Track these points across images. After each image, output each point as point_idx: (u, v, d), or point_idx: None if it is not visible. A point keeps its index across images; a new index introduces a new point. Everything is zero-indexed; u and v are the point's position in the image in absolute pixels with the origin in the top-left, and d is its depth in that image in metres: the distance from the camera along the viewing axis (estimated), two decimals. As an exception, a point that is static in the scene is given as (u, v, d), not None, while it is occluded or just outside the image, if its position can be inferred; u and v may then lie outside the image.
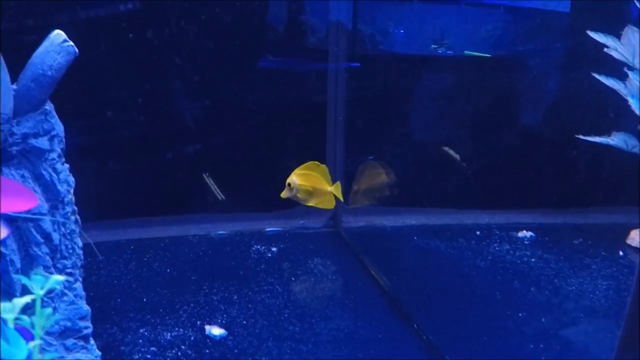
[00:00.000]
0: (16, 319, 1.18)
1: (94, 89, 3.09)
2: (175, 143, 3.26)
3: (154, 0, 3.10)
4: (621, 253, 2.94)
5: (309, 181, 2.21)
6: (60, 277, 1.22)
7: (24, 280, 1.20)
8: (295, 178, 2.21)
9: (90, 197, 2.99)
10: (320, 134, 3.40)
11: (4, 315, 1.15)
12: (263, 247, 3.00)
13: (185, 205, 3.27)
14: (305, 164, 2.27)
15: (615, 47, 3.05)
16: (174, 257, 2.91)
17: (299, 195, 2.21)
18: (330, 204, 2.25)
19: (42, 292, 1.21)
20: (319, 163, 2.28)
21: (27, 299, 1.16)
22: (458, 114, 3.52)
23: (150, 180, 3.23)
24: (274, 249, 3.00)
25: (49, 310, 1.20)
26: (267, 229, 3.23)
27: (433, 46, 3.42)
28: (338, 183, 2.24)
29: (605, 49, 3.00)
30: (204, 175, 3.28)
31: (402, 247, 3.10)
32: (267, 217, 3.29)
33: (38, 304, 1.20)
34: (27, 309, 1.19)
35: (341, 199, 2.22)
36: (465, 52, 3.48)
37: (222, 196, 3.27)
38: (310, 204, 2.25)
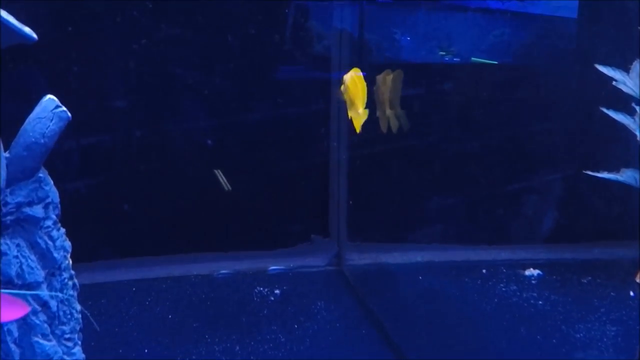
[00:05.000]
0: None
1: (95, 125, 3.07)
2: (177, 179, 3.22)
3: (155, 7, 3.06)
4: (631, 293, 2.88)
5: (353, 91, 2.10)
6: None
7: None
8: (348, 79, 2.11)
9: (91, 237, 3.00)
10: (324, 161, 3.37)
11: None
12: (266, 290, 2.95)
13: (187, 244, 3.22)
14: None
15: (624, 81, 3.01)
16: (175, 300, 2.87)
17: (344, 96, 2.12)
18: (357, 125, 2.12)
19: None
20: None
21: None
22: (464, 142, 3.46)
23: (152, 219, 3.19)
24: (276, 291, 2.95)
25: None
26: (270, 268, 3.18)
27: (440, 53, 3.37)
28: (366, 111, 2.11)
29: (614, 83, 2.96)
30: (215, 171, 3.21)
31: (407, 288, 3.04)
32: (269, 256, 3.24)
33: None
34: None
35: (357, 130, 2.09)
36: (472, 59, 3.44)
37: (229, 187, 3.19)
38: (349, 113, 2.13)
